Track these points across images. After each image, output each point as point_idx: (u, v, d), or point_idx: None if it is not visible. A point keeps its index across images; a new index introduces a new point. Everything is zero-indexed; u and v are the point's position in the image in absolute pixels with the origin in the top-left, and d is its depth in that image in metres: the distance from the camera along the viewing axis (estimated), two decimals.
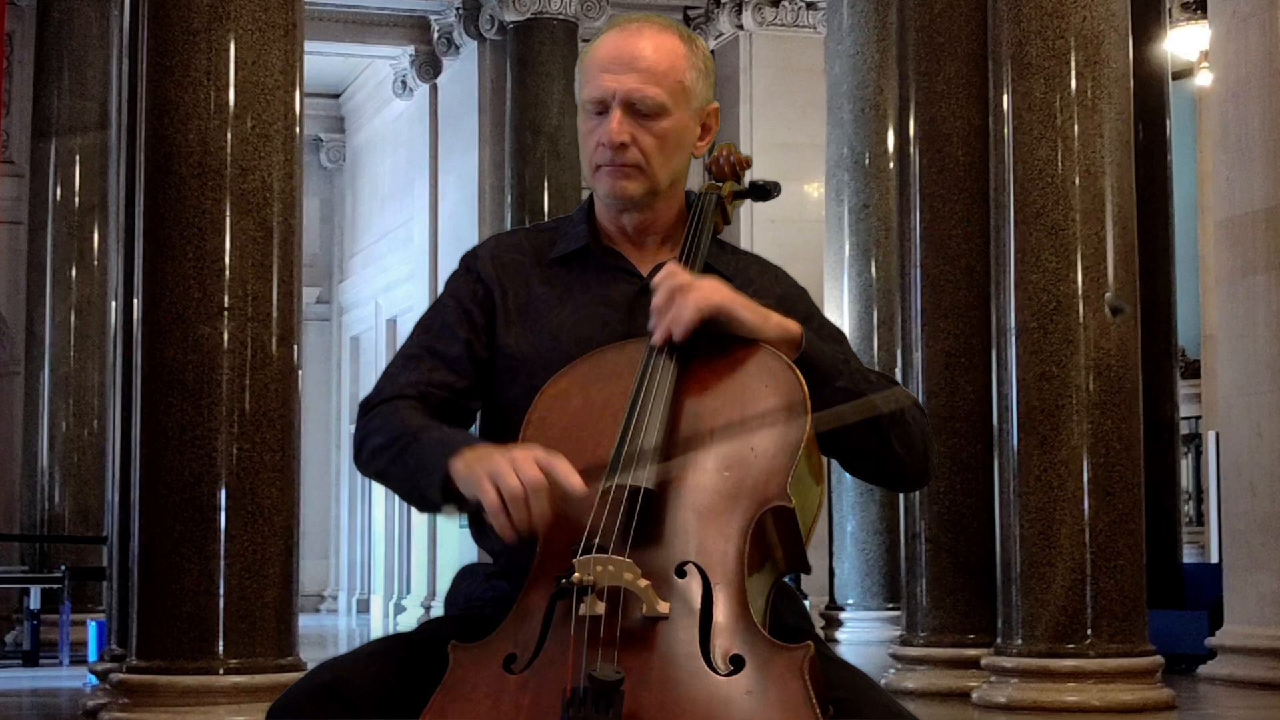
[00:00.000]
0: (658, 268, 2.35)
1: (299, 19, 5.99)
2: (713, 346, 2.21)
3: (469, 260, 2.44)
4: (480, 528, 2.27)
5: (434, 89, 16.54)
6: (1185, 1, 12.67)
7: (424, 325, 2.40)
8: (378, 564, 18.39)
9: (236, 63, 5.80)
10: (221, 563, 5.60)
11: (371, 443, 2.28)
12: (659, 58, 2.32)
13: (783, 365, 2.18)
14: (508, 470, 2.03)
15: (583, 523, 2.04)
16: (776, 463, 2.08)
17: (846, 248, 10.86)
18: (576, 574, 1.97)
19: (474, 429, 2.40)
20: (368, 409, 2.33)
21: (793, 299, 2.40)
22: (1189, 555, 11.35)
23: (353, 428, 2.40)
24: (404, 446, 2.22)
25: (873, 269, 10.71)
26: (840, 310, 10.74)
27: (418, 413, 2.28)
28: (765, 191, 2.49)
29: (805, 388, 2.15)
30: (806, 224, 13.77)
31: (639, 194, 2.35)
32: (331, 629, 16.69)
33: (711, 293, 2.20)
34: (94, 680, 7.27)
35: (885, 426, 2.25)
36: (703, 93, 2.37)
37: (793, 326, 2.24)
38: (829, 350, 2.27)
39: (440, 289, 2.48)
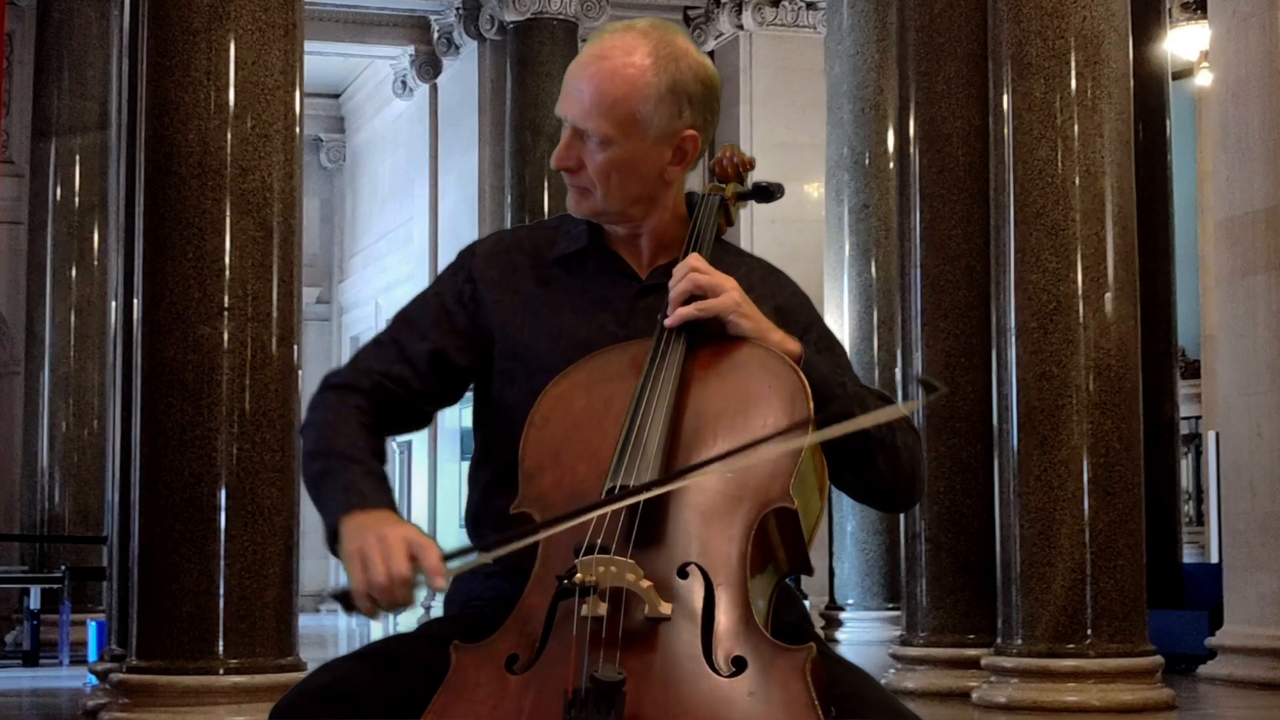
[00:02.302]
0: (656, 270, 2.34)
1: (299, 19, 5.99)
2: (717, 346, 2.21)
3: (465, 257, 2.43)
4: (475, 528, 2.32)
5: (434, 89, 16.54)
6: (1185, 1, 12.66)
7: (403, 314, 2.41)
8: None
9: (236, 63, 5.80)
10: (221, 563, 5.61)
11: (308, 438, 2.29)
12: (610, 88, 2.26)
13: (786, 367, 2.18)
14: (377, 560, 2.04)
15: (586, 523, 2.04)
16: (779, 464, 2.07)
17: (846, 248, 10.85)
18: (579, 574, 1.97)
19: (471, 436, 2.39)
20: (325, 387, 2.33)
21: (793, 308, 2.38)
22: (1189, 555, 11.33)
23: None
24: (321, 472, 2.22)
25: (873, 269, 10.71)
26: (840, 310, 10.74)
27: (353, 420, 2.27)
28: (768, 193, 2.47)
29: (808, 389, 2.14)
30: (806, 224, 13.76)
31: (589, 213, 2.34)
32: (331, 629, 16.66)
33: (730, 299, 2.20)
34: (94, 680, 7.26)
35: (874, 447, 2.24)
36: (665, 121, 2.27)
37: (791, 346, 2.22)
38: (826, 372, 2.25)
39: None
